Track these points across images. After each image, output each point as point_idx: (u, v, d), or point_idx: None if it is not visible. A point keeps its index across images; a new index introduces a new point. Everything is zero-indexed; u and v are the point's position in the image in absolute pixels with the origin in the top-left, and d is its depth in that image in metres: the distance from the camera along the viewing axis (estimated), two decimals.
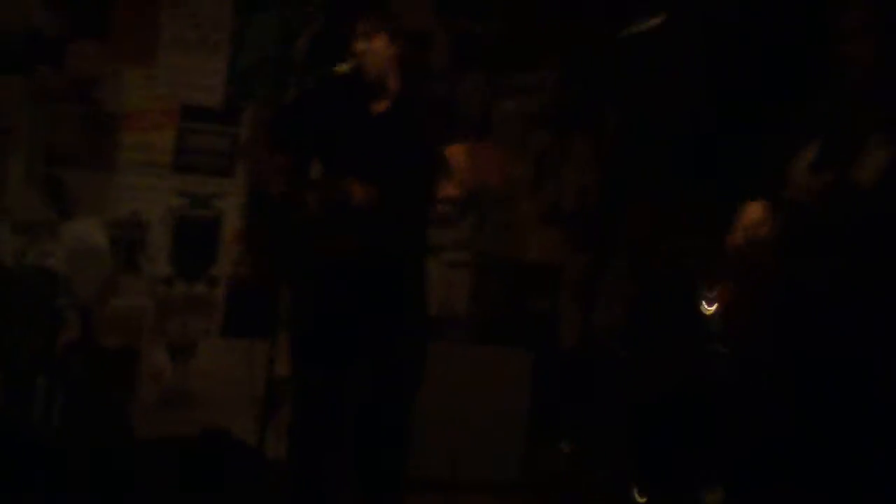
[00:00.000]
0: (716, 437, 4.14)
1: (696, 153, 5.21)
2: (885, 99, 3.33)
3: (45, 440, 4.13)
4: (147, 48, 4.45)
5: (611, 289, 5.70)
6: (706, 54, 5.22)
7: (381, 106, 3.93)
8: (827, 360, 3.26)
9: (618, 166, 5.70)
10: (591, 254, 5.67)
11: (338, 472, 4.05)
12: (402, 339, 3.97)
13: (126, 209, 4.48)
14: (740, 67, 4.97)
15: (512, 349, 5.10)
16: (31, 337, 4.29)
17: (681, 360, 4.54)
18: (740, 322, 3.66)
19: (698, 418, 4.35)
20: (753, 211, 3.64)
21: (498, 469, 4.86)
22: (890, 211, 3.15)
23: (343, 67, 3.82)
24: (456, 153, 3.90)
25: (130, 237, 4.48)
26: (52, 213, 4.42)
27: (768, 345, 3.50)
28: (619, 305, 5.65)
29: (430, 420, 4.43)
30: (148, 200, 4.52)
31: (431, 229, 4.07)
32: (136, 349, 4.54)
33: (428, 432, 4.35)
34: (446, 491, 4.58)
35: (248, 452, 4.13)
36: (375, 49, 3.86)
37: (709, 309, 3.77)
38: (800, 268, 3.40)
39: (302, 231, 3.86)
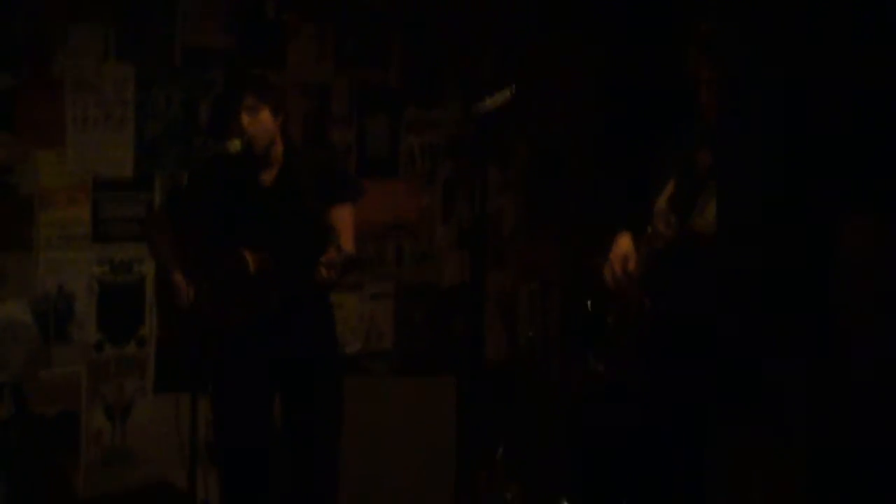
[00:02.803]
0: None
1: (599, 180, 5.45)
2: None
3: None
4: (55, 131, 4.63)
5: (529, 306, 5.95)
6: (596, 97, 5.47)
7: (269, 176, 4.19)
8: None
9: (530, 192, 5.94)
10: (509, 273, 5.91)
11: None
12: (315, 382, 4.25)
13: (51, 283, 4.67)
14: (622, 104, 5.20)
15: (435, 378, 5.26)
16: None
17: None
18: (616, 344, 3.90)
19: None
20: (622, 244, 3.86)
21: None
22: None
23: (235, 144, 4.06)
24: (340, 215, 4.17)
25: (58, 309, 4.69)
26: None
27: (635, 368, 3.75)
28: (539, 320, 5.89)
29: (358, 457, 4.65)
30: (71, 272, 4.71)
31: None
32: (75, 414, 4.76)
33: (355, 470, 4.58)
34: None
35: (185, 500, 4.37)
36: (261, 122, 4.09)
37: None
38: (659, 303, 3.63)
39: (202, 305, 4.11)
